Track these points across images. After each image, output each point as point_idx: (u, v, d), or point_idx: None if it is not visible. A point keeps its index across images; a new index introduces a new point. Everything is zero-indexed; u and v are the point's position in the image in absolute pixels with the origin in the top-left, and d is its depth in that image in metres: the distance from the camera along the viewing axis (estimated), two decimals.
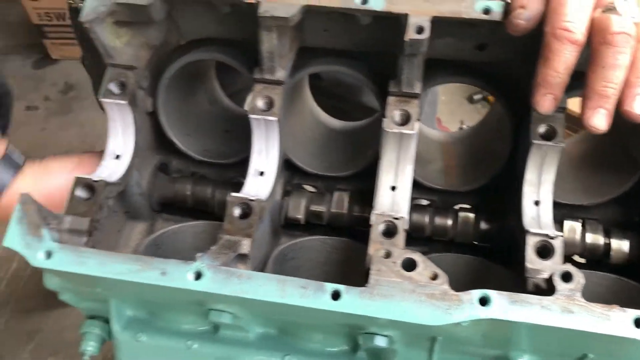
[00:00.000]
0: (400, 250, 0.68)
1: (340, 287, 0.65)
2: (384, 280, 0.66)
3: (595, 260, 0.90)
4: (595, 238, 0.88)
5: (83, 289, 0.78)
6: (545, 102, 0.73)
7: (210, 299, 0.70)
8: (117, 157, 0.89)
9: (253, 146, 0.87)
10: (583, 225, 0.89)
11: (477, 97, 3.42)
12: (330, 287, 0.66)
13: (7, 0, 4.32)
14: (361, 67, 0.92)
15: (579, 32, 0.69)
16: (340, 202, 0.94)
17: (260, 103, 0.85)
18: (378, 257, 0.68)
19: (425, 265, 0.67)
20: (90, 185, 0.82)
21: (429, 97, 1.58)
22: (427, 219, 0.91)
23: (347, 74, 0.92)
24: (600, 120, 0.70)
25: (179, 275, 0.67)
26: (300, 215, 0.94)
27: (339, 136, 1.10)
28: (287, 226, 0.98)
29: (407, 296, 0.64)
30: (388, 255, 0.68)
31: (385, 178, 0.83)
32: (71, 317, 2.59)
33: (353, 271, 0.93)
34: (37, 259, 0.69)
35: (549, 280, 0.66)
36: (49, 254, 0.69)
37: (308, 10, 0.79)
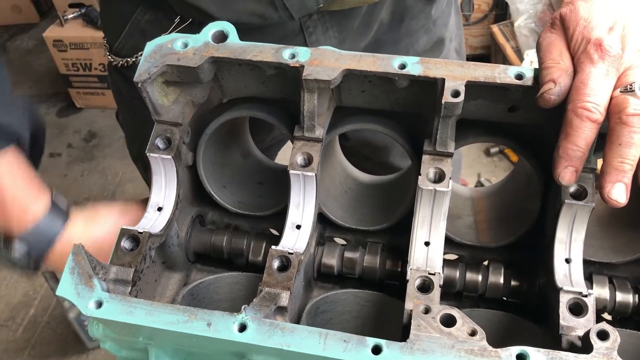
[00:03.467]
0: (438, 306, 0.70)
1: (381, 342, 0.67)
2: (424, 336, 0.68)
3: (624, 317, 0.91)
4: (624, 297, 0.89)
5: (125, 338, 0.81)
6: (566, 175, 0.77)
7: (252, 350, 0.72)
8: (159, 209, 0.92)
9: (291, 200, 0.91)
10: (612, 283, 0.90)
11: (494, 150, 3.46)
12: (372, 341, 0.67)
13: (36, 51, 4.48)
14: (395, 126, 0.96)
15: (598, 111, 0.74)
16: (372, 256, 0.96)
17: (300, 159, 0.88)
18: (417, 312, 0.70)
19: (463, 321, 0.69)
20: (135, 237, 0.85)
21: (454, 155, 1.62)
22: (458, 274, 0.93)
23: (380, 132, 0.96)
24: (619, 194, 0.73)
25: (224, 327, 0.69)
26: (334, 268, 0.96)
27: (369, 190, 1.13)
28: (320, 278, 1.00)
29: (447, 352, 0.66)
30: (427, 310, 0.70)
31: (419, 233, 0.86)
32: None
33: (385, 325, 0.95)
34: (89, 308, 0.71)
35: (586, 339, 0.68)
36: (99, 304, 0.72)
37: (348, 74, 0.84)
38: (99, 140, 3.90)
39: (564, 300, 0.77)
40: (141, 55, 0.82)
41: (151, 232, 0.86)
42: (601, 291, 0.88)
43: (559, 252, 0.84)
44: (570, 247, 0.84)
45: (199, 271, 1.05)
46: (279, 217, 1.01)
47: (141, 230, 0.85)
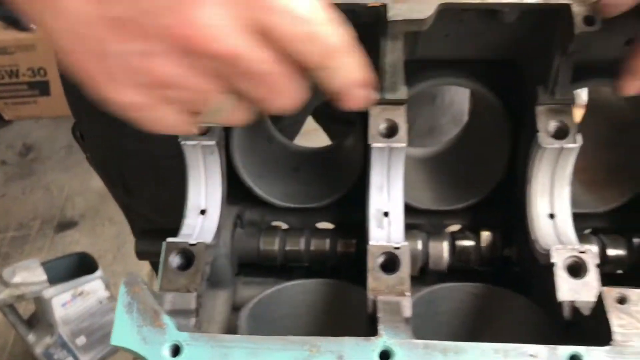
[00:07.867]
0: (636, 291, 0.53)
1: (579, 350, 0.49)
2: (633, 334, 0.51)
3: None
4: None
5: None
6: None
7: None
8: (202, 212, 0.71)
9: (371, 181, 0.71)
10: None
11: None
12: (565, 351, 0.50)
13: None
14: (480, 78, 0.78)
15: None
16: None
17: (383, 127, 0.69)
18: (611, 302, 0.53)
19: None
20: (186, 251, 0.64)
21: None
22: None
23: (465, 86, 0.78)
24: None
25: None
26: None
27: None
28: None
29: None
30: (622, 300, 0.53)
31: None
32: None
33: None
34: (162, 356, 0.50)
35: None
36: (176, 350, 0.51)
37: (443, 10, 0.65)
38: (37, 154, 3.53)
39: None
40: None
41: (206, 242, 0.65)
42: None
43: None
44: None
45: (244, 285, 0.84)
46: (334, 208, 0.84)
47: (194, 242, 0.65)
